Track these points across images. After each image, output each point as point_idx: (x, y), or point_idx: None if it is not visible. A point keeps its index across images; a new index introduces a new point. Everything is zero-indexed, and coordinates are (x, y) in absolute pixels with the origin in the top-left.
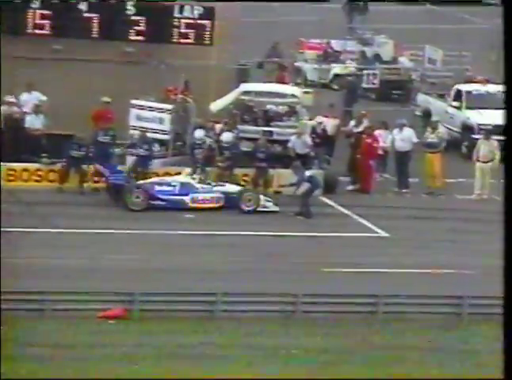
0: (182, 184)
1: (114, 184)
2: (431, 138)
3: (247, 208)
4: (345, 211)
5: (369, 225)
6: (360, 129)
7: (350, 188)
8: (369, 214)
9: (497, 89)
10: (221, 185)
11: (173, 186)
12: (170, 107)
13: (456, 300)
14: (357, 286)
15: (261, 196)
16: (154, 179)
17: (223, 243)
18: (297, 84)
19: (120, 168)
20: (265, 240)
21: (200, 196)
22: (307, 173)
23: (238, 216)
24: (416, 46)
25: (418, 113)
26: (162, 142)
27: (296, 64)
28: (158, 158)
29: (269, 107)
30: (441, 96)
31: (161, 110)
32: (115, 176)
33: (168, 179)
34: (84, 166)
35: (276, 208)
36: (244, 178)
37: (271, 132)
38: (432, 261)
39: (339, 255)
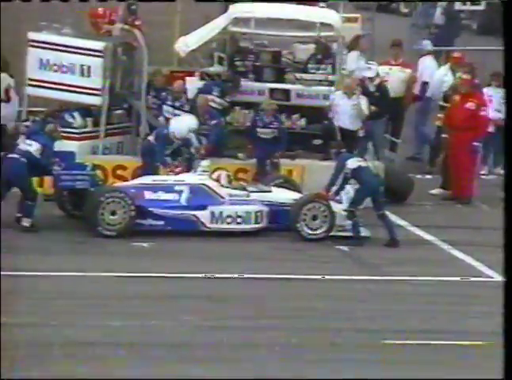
0: (195, 190)
1: (70, 187)
2: None
3: (311, 232)
4: (427, 236)
5: (470, 261)
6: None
7: (436, 191)
8: (470, 242)
9: None
10: (264, 191)
11: (179, 192)
12: (101, 46)
13: None
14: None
15: (338, 209)
16: (142, 178)
17: (196, 295)
18: (332, 5)
19: (81, 161)
20: (279, 287)
21: (227, 211)
22: (354, 164)
23: (228, 243)
24: None
25: None
26: (86, 111)
27: None
28: (80, 140)
29: (281, 47)
30: None
31: (85, 51)
32: (71, 175)
33: (169, 179)
34: None
35: (366, 233)
36: (239, 175)
37: (286, 92)
38: None
39: (417, 314)
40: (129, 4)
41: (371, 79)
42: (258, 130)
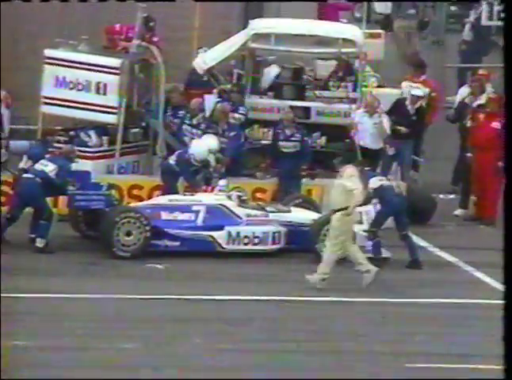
0: (211, 210)
1: (85, 207)
2: None
3: None
4: (449, 258)
5: (494, 283)
6: (480, 101)
7: (459, 212)
8: (493, 264)
9: None
10: (283, 211)
11: (195, 212)
12: (117, 63)
13: None
14: None
15: (358, 230)
16: (158, 199)
17: (210, 317)
18: (355, 20)
19: (96, 181)
20: (296, 310)
21: (244, 231)
22: (376, 184)
23: (245, 265)
24: None
25: None
26: (102, 129)
27: None
28: (95, 159)
29: (302, 64)
30: None
31: (101, 68)
32: (87, 195)
33: (184, 199)
34: None
35: (388, 254)
36: (258, 195)
37: (306, 109)
38: None
39: (440, 337)
40: (146, 20)
41: (416, 99)
42: (280, 143)
